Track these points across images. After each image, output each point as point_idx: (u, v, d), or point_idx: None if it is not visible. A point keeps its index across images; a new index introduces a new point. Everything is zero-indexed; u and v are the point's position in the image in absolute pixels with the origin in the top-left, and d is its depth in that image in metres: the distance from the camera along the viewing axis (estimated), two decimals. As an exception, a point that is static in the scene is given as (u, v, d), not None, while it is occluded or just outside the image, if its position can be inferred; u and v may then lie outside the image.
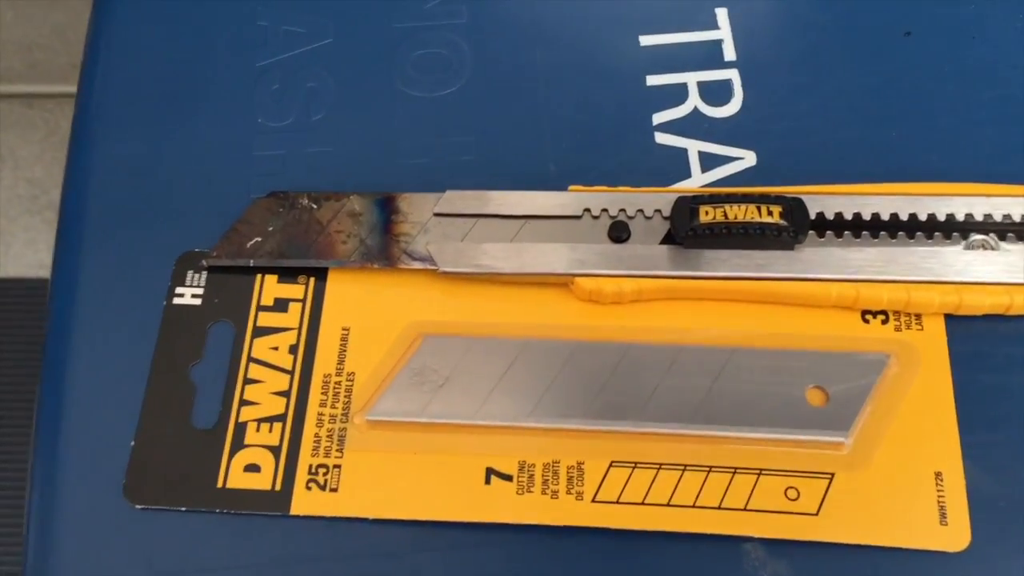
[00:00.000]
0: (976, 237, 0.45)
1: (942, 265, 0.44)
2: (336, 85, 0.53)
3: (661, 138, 0.51)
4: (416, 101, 0.52)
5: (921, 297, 0.44)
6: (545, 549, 0.43)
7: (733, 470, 0.42)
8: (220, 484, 0.43)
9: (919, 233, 0.47)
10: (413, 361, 0.44)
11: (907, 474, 0.42)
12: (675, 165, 0.51)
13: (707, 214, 0.44)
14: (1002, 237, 0.46)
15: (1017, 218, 0.45)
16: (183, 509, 0.44)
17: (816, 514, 0.42)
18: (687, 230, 0.44)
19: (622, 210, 0.47)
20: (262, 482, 0.43)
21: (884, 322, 0.45)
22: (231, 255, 0.47)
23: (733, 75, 0.53)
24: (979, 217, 0.45)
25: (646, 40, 0.54)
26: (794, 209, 0.44)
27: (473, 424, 0.43)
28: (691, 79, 0.53)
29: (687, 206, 0.45)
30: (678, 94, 0.53)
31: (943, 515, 0.42)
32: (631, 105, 0.53)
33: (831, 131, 0.51)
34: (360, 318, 0.46)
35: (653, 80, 0.53)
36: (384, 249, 0.47)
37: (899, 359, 0.44)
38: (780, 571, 0.42)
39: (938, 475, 0.42)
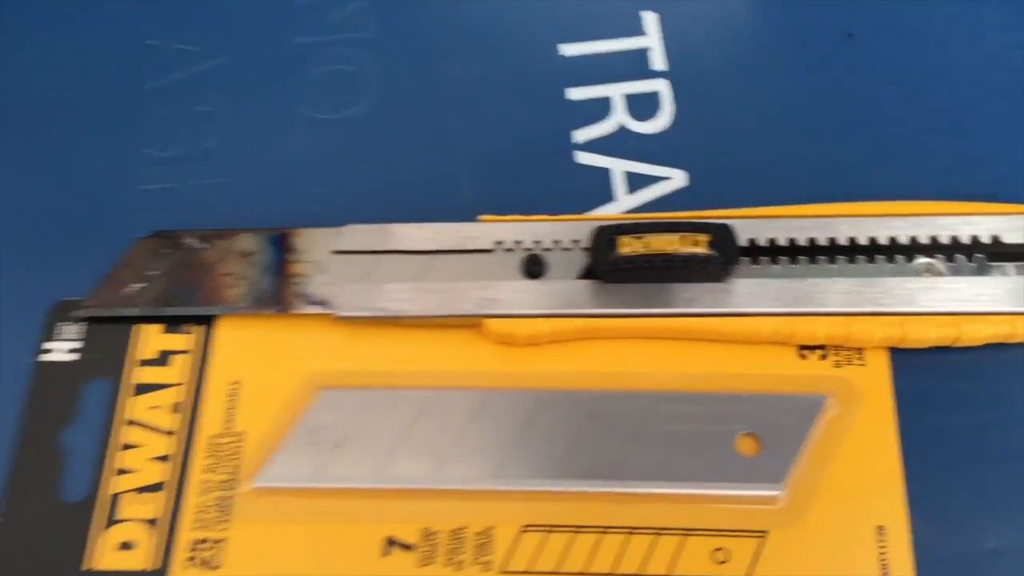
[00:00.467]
0: (922, 261, 0.42)
1: (884, 294, 0.42)
2: (230, 109, 0.50)
3: (583, 158, 0.48)
4: (318, 124, 0.49)
5: (861, 331, 0.41)
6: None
7: (656, 531, 0.40)
8: (87, 565, 0.40)
9: (860, 258, 0.45)
10: (307, 418, 0.41)
11: (846, 529, 0.40)
12: (598, 188, 0.48)
13: (627, 245, 0.41)
14: (951, 260, 0.43)
15: (966, 240, 0.42)
16: (47, 595, 0.39)
17: (748, 578, 0.38)
18: (607, 263, 0.41)
19: (537, 242, 0.43)
20: (136, 561, 0.41)
21: (823, 357, 0.42)
22: (109, 304, 0.45)
23: (662, 86, 0.50)
24: (925, 240, 0.43)
25: (566, 49, 0.51)
26: (722, 237, 0.41)
27: (372, 488, 0.41)
28: (616, 92, 0.50)
29: (606, 237, 0.41)
30: (601, 109, 0.50)
31: (885, 574, 0.40)
32: (550, 122, 0.50)
33: (768, 146, 0.48)
34: (252, 371, 0.43)
35: (574, 94, 0.50)
36: (277, 292, 0.44)
37: (838, 399, 0.41)
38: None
39: (880, 529, 0.40)
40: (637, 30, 0.52)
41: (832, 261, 0.44)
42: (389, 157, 0.49)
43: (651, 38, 0.51)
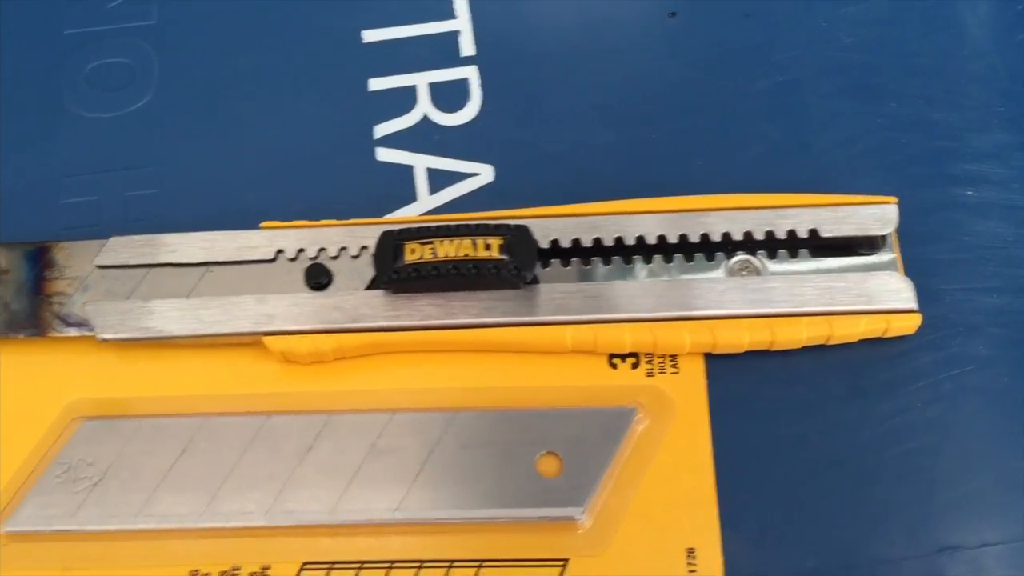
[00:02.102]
0: (738, 259, 0.42)
1: (694, 296, 0.42)
2: (-10, 110, 0.47)
3: (383, 154, 0.47)
4: (89, 124, 0.48)
5: (668, 337, 0.41)
6: None
7: (448, 564, 0.40)
8: None
9: (674, 258, 0.45)
10: (63, 454, 0.40)
11: (654, 553, 0.40)
12: (399, 187, 0.48)
13: (413, 252, 0.40)
14: (772, 257, 0.45)
15: (782, 235, 0.42)
16: None
17: (545, 612, 0.37)
18: (391, 272, 0.40)
19: (322, 249, 0.43)
20: None
21: (635, 366, 0.42)
22: None
23: (471, 73, 0.49)
24: (738, 236, 0.42)
25: (370, 36, 0.50)
26: (518, 239, 0.41)
27: (134, 530, 0.39)
28: (421, 80, 0.49)
29: (391, 243, 0.40)
30: (405, 100, 0.49)
31: (695, 600, 0.38)
32: (349, 116, 0.49)
33: (582, 136, 0.48)
34: (7, 402, 0.42)
35: (376, 84, 0.49)
36: (33, 314, 0.42)
37: (649, 411, 0.41)
38: None
39: (690, 552, 0.39)
40: (446, 12, 0.52)
41: (645, 261, 0.44)
42: (168, 160, 0.48)
43: (460, 21, 0.50)
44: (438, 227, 0.41)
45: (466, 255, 0.40)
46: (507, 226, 0.41)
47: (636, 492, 0.40)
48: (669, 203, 0.44)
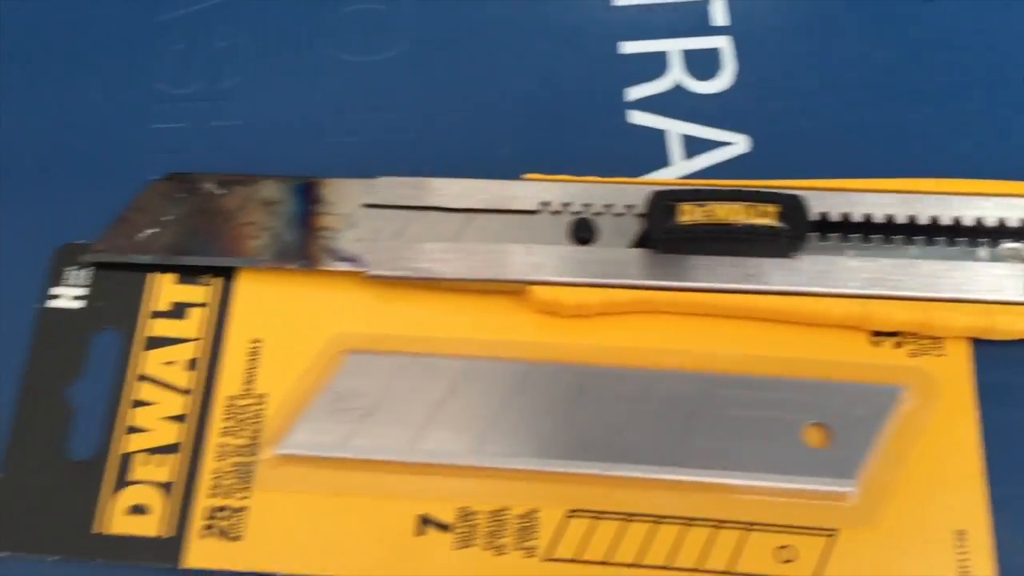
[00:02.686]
0: (1007, 246, 0.42)
1: (969, 279, 0.42)
2: (252, 45, 0.50)
3: (636, 117, 0.48)
4: (347, 67, 0.49)
5: (943, 318, 0.41)
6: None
7: (716, 524, 0.40)
8: (98, 528, 0.41)
9: (940, 240, 0.44)
10: (334, 383, 0.40)
11: (923, 532, 0.40)
12: (652, 150, 0.48)
13: (688, 213, 0.41)
14: None
15: None
16: (53, 558, 0.42)
17: (814, 579, 0.38)
18: (664, 231, 0.40)
19: (587, 205, 0.43)
20: (149, 527, 0.41)
21: (898, 345, 0.42)
22: (120, 249, 0.45)
23: (724, 43, 0.50)
24: (1014, 223, 0.42)
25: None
26: (792, 209, 0.41)
27: (404, 462, 0.41)
28: (673, 47, 0.50)
29: (664, 203, 0.41)
30: (657, 65, 0.50)
31: (965, 582, 0.38)
32: (601, 77, 0.50)
33: (839, 113, 0.48)
34: (274, 329, 0.43)
35: (628, 47, 0.50)
36: (303, 246, 0.43)
37: (915, 391, 0.41)
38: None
39: (960, 534, 0.40)
40: (697, -18, 0.50)
41: (910, 241, 0.42)
42: (423, 106, 0.48)
43: (712, -9, 0.50)
44: (713, 190, 0.42)
45: (741, 220, 0.41)
46: (781, 194, 0.41)
47: (903, 470, 0.40)
48: (941, 185, 0.44)
